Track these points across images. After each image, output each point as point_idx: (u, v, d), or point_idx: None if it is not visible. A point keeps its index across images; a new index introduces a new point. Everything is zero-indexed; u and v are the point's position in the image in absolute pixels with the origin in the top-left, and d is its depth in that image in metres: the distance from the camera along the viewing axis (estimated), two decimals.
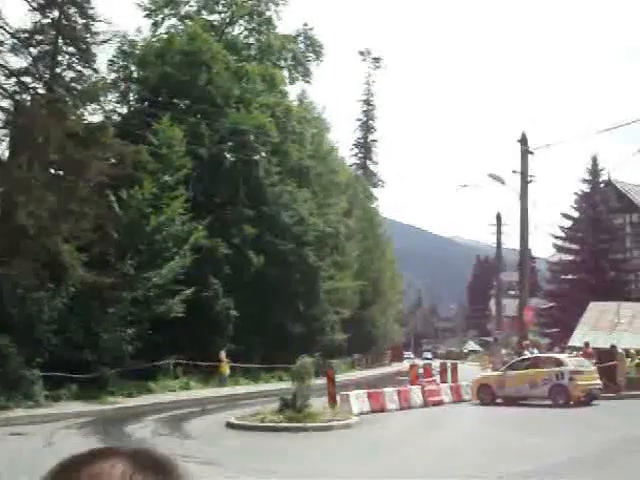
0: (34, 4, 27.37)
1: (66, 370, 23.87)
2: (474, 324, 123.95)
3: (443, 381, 30.59)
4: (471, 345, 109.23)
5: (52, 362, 23.32)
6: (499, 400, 27.00)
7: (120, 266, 28.35)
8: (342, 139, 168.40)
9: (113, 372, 26.38)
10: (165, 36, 41.66)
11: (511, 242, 52.29)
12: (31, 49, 27.79)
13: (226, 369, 34.33)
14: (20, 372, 21.87)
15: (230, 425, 19.52)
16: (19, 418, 19.51)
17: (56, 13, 28.64)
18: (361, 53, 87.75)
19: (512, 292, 63.76)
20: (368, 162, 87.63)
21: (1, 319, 22.11)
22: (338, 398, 23.15)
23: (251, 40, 47.72)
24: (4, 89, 25.07)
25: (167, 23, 44.16)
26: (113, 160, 29.70)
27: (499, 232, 52.61)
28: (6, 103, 25.90)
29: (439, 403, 26.93)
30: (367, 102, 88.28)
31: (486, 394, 27.49)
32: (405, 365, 56.15)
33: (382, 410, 23.90)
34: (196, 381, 32.38)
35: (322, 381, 23.97)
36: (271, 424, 19.04)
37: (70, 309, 25.33)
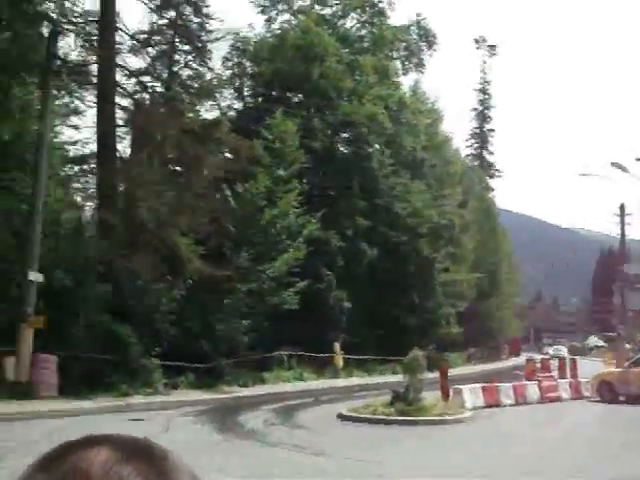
0: (151, 5, 28.24)
1: (183, 360, 24.60)
2: (597, 318, 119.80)
3: (562, 377, 29.72)
4: (594, 340, 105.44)
5: (170, 352, 24.06)
6: (621, 398, 26.00)
7: (235, 259, 28.98)
8: (457, 129, 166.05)
9: (229, 362, 26.98)
10: (278, 31, 42.17)
11: (636, 233, 50.30)
12: (149, 49, 28.68)
13: (340, 361, 34.55)
14: (140, 361, 22.70)
15: (341, 416, 19.60)
16: (138, 405, 20.26)
17: (172, 13, 29.50)
18: (476, 41, 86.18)
19: (638, 285, 61.18)
20: (484, 152, 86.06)
21: (122, 310, 22.96)
22: (451, 392, 22.87)
23: (363, 32, 47.65)
24: (124, 89, 26.00)
25: (280, 18, 44.67)
26: (228, 155, 30.38)
27: (623, 222, 50.55)
28: (126, 102, 26.85)
29: (556, 399, 26.19)
30: (483, 91, 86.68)
31: (607, 391, 26.52)
32: (523, 360, 54.89)
33: (497, 405, 23.46)
34: (310, 372, 32.72)
35: (436, 374, 23.73)
36: (382, 416, 19.00)
37: (187, 300, 26.05)
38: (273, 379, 29.78)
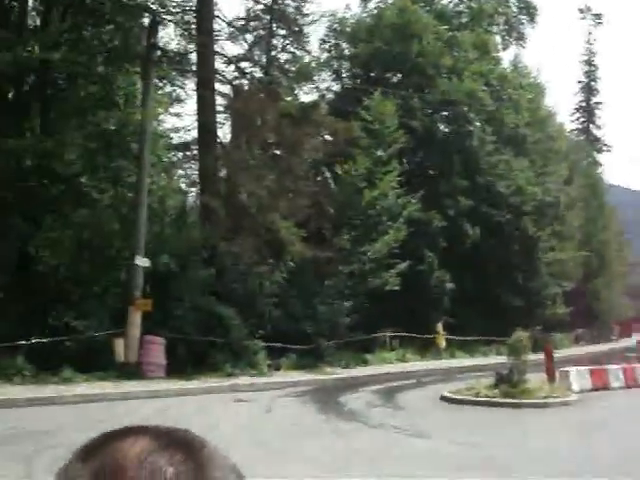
0: None
1: (286, 341, 24.94)
2: None
3: None
4: None
5: (273, 333, 24.44)
6: None
7: (336, 241, 29.11)
8: (561, 103, 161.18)
9: (331, 343, 27.17)
10: (375, 11, 41.83)
11: None
12: (247, 35, 29.06)
13: (442, 341, 34.28)
14: (244, 342, 23.14)
15: (444, 398, 19.46)
16: (242, 385, 20.67)
17: None
18: (580, 11, 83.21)
19: None
20: (591, 126, 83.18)
21: (226, 293, 23.45)
22: (557, 374, 22.33)
23: (461, 7, 46.74)
24: (223, 76, 26.45)
25: None
26: (327, 137, 30.48)
27: None
28: (226, 89, 27.28)
29: None
30: (589, 62, 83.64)
31: None
32: (634, 341, 53.01)
33: (605, 388, 22.73)
34: (412, 353, 32.58)
35: (541, 356, 23.22)
36: (485, 399, 18.75)
37: (289, 283, 26.36)
38: (375, 360, 29.82)
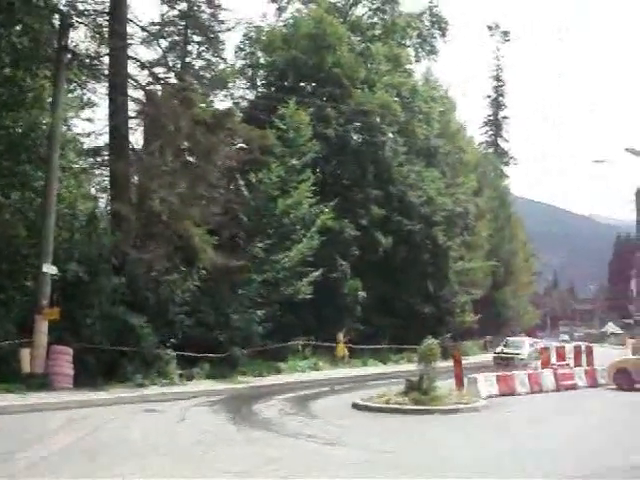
0: None
1: (198, 350, 24.68)
2: (614, 305, 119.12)
3: (577, 365, 29.55)
4: (611, 327, 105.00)
5: (185, 342, 24.15)
6: (638, 385, 25.83)
7: (249, 249, 29.01)
8: (471, 117, 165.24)
9: (244, 352, 27.02)
10: (290, 21, 42.02)
11: None
12: (161, 41, 28.71)
13: (342, 351, 34.49)
14: (155, 352, 22.76)
15: (356, 406, 19.59)
16: (154, 395, 20.32)
17: (184, 4, 29.50)
18: (489, 28, 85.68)
19: None
20: (499, 139, 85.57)
21: (137, 301, 23.04)
22: (466, 381, 22.81)
23: (375, 20, 47.40)
24: (136, 81, 25.98)
25: (292, 7, 44.55)
26: (241, 145, 30.35)
27: (639, 209, 50.29)
28: (139, 94, 26.84)
29: (572, 387, 26.08)
30: (497, 78, 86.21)
31: (624, 379, 26.35)
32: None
33: (512, 394, 23.37)
34: (325, 362, 32.76)
35: (451, 363, 23.68)
36: (396, 406, 18.97)
37: (202, 291, 26.09)
38: (288, 369, 29.84)
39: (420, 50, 50.35)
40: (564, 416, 19.25)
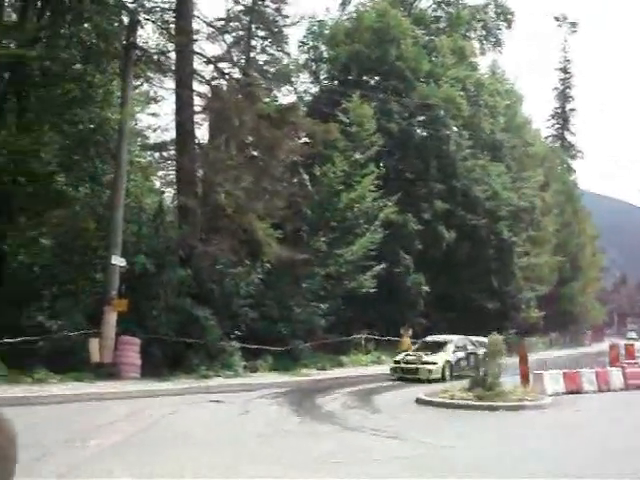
0: None
1: (261, 342, 24.91)
2: None
3: None
4: None
5: (249, 335, 24.40)
6: None
7: (313, 242, 29.15)
8: (537, 110, 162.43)
9: (306, 345, 27.18)
10: (354, 14, 41.97)
11: None
12: (226, 36, 28.99)
13: (406, 345, 34.24)
14: (219, 343, 23.07)
15: (419, 401, 19.51)
16: (218, 387, 20.58)
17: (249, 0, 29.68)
18: (556, 19, 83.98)
19: None
20: (566, 133, 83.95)
21: (202, 294, 23.37)
22: (531, 377, 22.47)
23: (440, 13, 47.01)
24: (202, 76, 26.33)
25: (355, 1, 44.47)
26: (304, 139, 30.49)
27: None
28: (204, 89, 27.19)
29: None
30: (564, 70, 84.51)
31: None
32: (606, 345, 53.54)
33: (578, 392, 22.89)
34: (387, 355, 32.65)
35: (515, 359, 23.35)
36: (460, 401, 18.81)
37: (266, 284, 26.33)
38: (351, 362, 29.87)
39: (485, 42, 49.81)
40: (629, 415, 18.79)
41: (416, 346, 28.12)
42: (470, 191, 40.88)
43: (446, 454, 11.89)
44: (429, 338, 28.33)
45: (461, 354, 26.18)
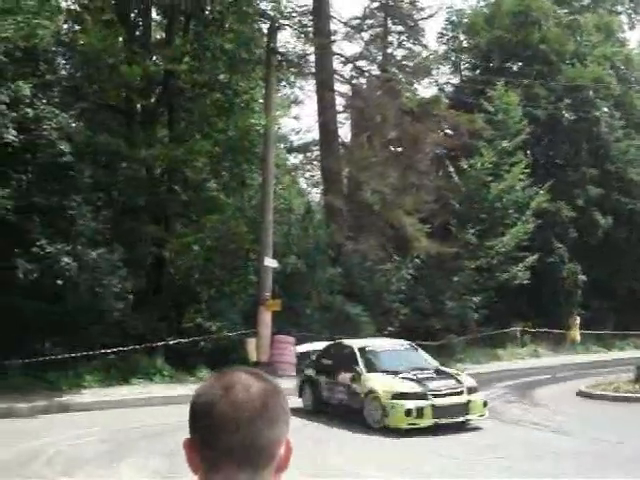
0: None
1: (415, 338, 24.76)
2: None
3: None
4: None
5: (402, 330, 24.34)
6: None
7: (462, 235, 28.74)
8: None
9: (460, 339, 26.85)
10: (492, 0, 41.02)
11: None
12: (363, 34, 29.09)
13: (577, 335, 33.18)
14: None
15: (581, 394, 18.84)
16: None
17: None
18: None
19: None
20: None
21: (353, 291, 23.58)
22: None
23: None
24: (342, 76, 26.60)
25: None
26: (448, 131, 30.13)
27: None
28: (345, 88, 27.44)
29: None
30: None
31: None
32: None
33: None
34: (544, 348, 31.75)
35: None
36: (624, 394, 18.02)
37: (416, 279, 26.23)
38: (507, 356, 29.23)
39: (634, 15, 47.27)
40: None
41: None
42: (625, 174, 38.97)
43: (614, 450, 11.40)
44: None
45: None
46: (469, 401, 13.67)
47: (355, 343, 15.91)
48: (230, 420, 1.45)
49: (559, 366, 27.79)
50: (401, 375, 14.17)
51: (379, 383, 13.87)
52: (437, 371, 15.15)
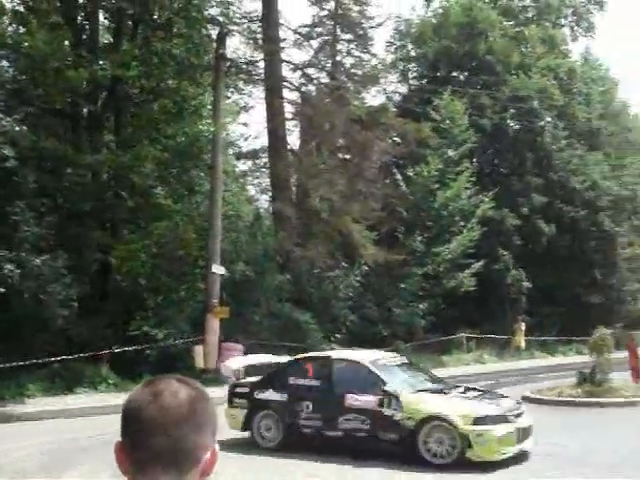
0: None
1: (362, 344, 24.88)
2: None
3: None
4: None
5: (349, 337, 24.48)
6: None
7: (409, 242, 29.02)
8: (637, 94, 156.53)
9: (407, 346, 27.04)
10: (440, 10, 41.56)
11: None
12: (312, 42, 29.21)
13: (522, 340, 33.66)
14: (321, 347, 23.19)
15: (526, 398, 19.08)
16: None
17: (332, 4, 29.82)
18: None
19: None
20: None
21: (301, 298, 23.62)
22: None
23: (527, 2, 46.00)
24: (290, 83, 26.65)
25: None
26: (396, 139, 30.40)
27: None
28: (293, 96, 27.50)
29: None
30: None
31: None
32: None
33: None
34: (490, 354, 32.18)
35: (623, 354, 22.57)
36: (568, 398, 18.36)
37: (364, 286, 26.38)
38: (453, 362, 29.53)
39: (576, 28, 48.32)
40: None
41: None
42: (568, 182, 39.79)
43: (567, 453, 11.63)
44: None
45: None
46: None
47: (355, 356, 12.78)
48: (158, 425, 1.52)
49: (504, 372, 28.19)
50: (451, 395, 11.57)
51: (446, 406, 10.84)
52: (469, 389, 12.63)
